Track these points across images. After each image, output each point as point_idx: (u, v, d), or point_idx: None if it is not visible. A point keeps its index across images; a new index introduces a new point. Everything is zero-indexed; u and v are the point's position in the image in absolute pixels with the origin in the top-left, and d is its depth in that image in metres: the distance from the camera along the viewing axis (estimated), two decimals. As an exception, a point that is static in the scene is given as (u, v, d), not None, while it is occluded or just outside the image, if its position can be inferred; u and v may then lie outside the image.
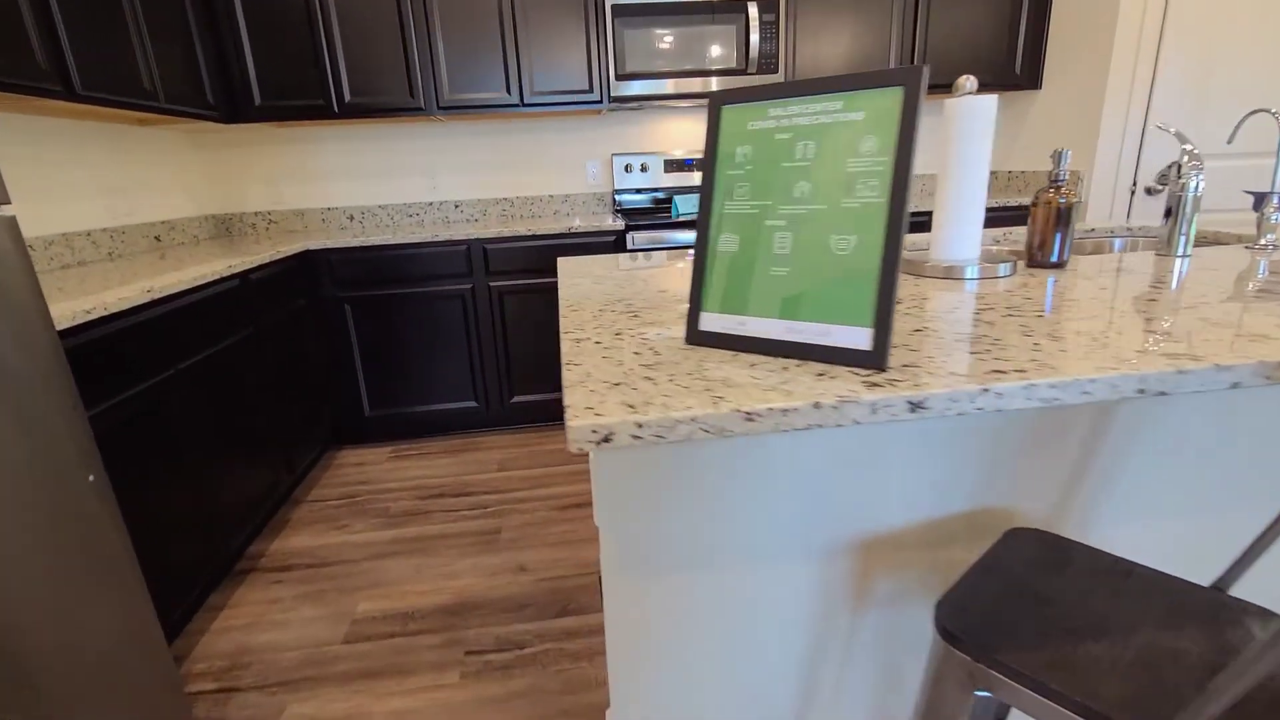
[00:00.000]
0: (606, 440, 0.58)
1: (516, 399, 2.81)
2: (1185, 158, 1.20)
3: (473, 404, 2.78)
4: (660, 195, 3.16)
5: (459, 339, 2.70)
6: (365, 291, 2.59)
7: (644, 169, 3.11)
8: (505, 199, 3.15)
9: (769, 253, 0.74)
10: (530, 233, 2.60)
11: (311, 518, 2.24)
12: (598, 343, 0.82)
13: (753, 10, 2.64)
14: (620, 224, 2.63)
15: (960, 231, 1.18)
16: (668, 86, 2.70)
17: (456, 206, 3.14)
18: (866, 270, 0.68)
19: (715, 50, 2.69)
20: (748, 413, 0.59)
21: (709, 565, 1.00)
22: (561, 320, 0.97)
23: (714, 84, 2.71)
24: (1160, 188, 2.71)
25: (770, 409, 0.59)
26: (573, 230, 2.62)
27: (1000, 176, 3.36)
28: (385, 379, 2.70)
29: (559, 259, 1.63)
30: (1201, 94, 2.57)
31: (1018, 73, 3.01)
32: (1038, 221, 1.19)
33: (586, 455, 2.59)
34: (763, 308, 0.74)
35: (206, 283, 1.81)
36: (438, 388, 2.74)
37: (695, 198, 2.95)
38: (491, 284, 2.65)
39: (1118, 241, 1.76)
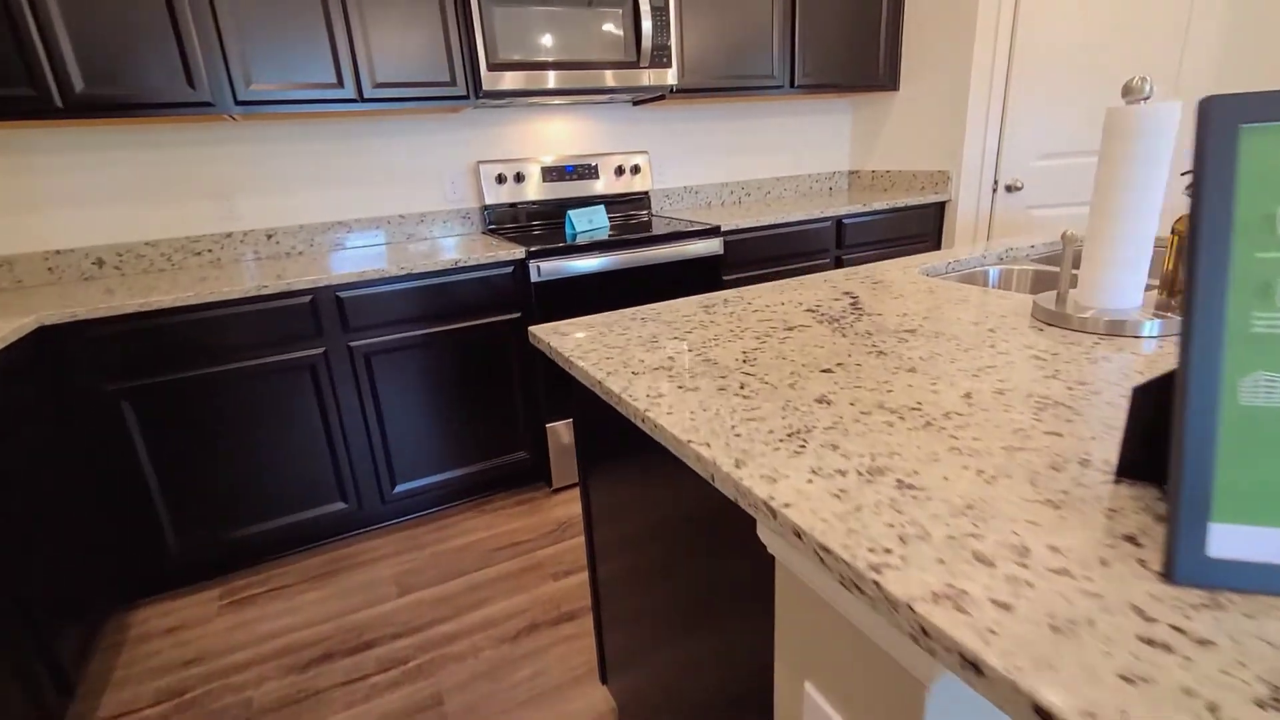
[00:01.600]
0: None
1: (400, 488, 2.14)
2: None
3: (340, 505, 2.06)
4: (539, 209, 2.65)
5: (311, 422, 1.96)
6: (153, 378, 1.74)
7: (519, 179, 2.58)
8: (339, 222, 2.41)
9: (1377, 412, 0.38)
10: (403, 272, 1.95)
11: (116, 751, 1.42)
12: (998, 601, 0.40)
13: (641, -7, 2.25)
14: (519, 252, 2.10)
15: (1126, 275, 0.94)
16: (549, 80, 2.22)
17: (269, 237, 2.32)
18: None
19: (602, 39, 2.26)
20: None
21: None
22: (800, 526, 0.52)
23: (598, 78, 2.29)
24: (1019, 187, 2.88)
25: None
26: (460, 264, 2.02)
27: (863, 176, 3.40)
28: (198, 494, 1.87)
29: (533, 331, 1.12)
30: (1052, 95, 2.76)
31: (880, 73, 3.02)
32: (1180, 254, 1.00)
33: (512, 546, 2.04)
34: (1377, 518, 0.39)
35: None
36: (286, 492, 1.97)
37: (590, 211, 2.51)
38: (352, 344, 1.96)
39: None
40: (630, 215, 2.82)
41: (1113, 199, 0.92)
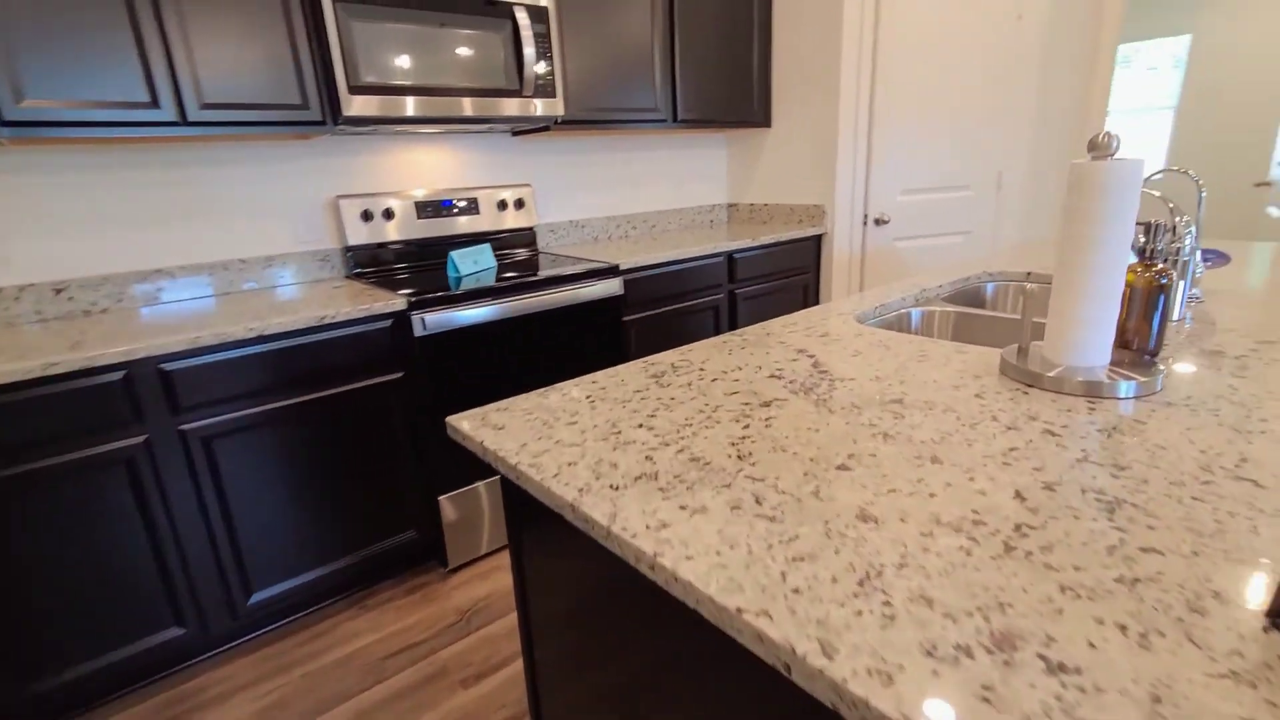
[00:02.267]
0: None
1: (259, 596, 1.74)
2: (1176, 216, 1.16)
3: (175, 631, 1.62)
4: (413, 250, 2.35)
5: (131, 531, 1.52)
6: (-125, 498, 1.25)
7: (388, 215, 2.27)
8: (157, 270, 1.96)
9: None
10: (252, 334, 1.59)
11: None
12: None
13: (521, 17, 2.08)
14: (399, 302, 1.81)
15: (1095, 333, 0.91)
16: (423, 106, 1.96)
17: (58, 291, 1.82)
18: None
19: (480, 64, 2.05)
20: None
21: None
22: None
23: (480, 106, 2.07)
24: (886, 220, 3.05)
25: None
26: (327, 320, 1.70)
27: (741, 209, 3.45)
28: (-43, 647, 1.37)
29: (456, 425, 0.90)
30: (910, 135, 2.96)
31: (754, 109, 3.08)
32: (1130, 304, 1.00)
33: (408, 649, 1.73)
34: None
35: None
36: (98, 624, 1.51)
37: (475, 251, 2.26)
38: (185, 427, 1.56)
39: (990, 284, 1.78)
40: (516, 254, 2.60)
41: (1081, 255, 0.89)
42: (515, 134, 2.61)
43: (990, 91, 2.97)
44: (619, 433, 0.83)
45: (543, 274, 2.10)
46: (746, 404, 0.91)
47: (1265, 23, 5.48)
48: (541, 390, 1.00)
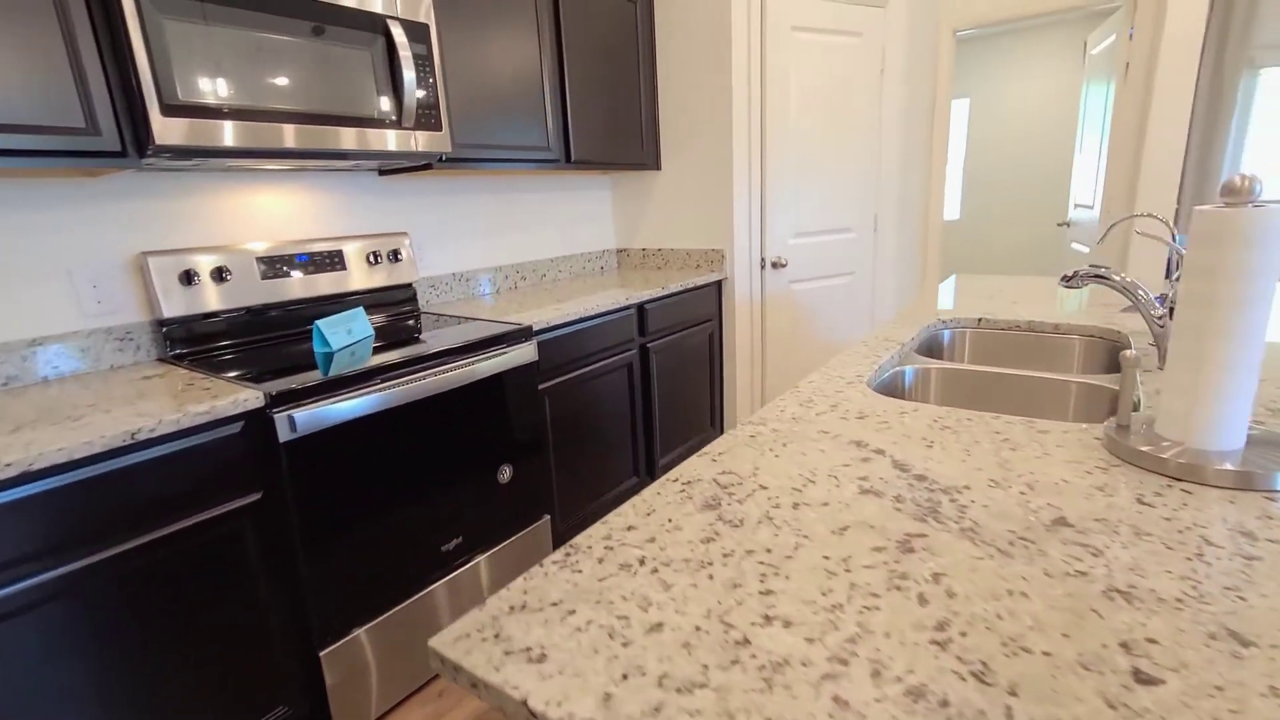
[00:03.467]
0: None
1: None
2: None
3: None
4: (257, 320, 1.81)
5: None
6: None
7: (221, 275, 1.72)
8: None
9: None
10: (9, 473, 1.02)
11: None
12: None
13: (397, 34, 1.71)
14: (252, 398, 1.31)
15: (1236, 409, 0.77)
16: (262, 135, 1.50)
17: None
18: None
19: (343, 86, 1.64)
20: None
21: None
22: None
23: (347, 139, 1.65)
24: (783, 264, 3.01)
25: None
26: (142, 437, 1.16)
27: (633, 254, 3.25)
28: None
29: (476, 674, 0.52)
30: (797, 181, 2.95)
31: (644, 151, 2.91)
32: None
33: None
34: None
35: None
36: None
37: (347, 318, 1.78)
38: (-119, 636, 0.94)
39: (946, 332, 1.70)
40: (396, 318, 2.14)
41: (1219, 317, 0.75)
42: (383, 173, 2.18)
43: (864, 138, 3.08)
44: (746, 643, 0.51)
45: (443, 344, 1.69)
46: (878, 548, 0.63)
47: (1029, 85, 6.48)
48: (559, 556, 0.65)
